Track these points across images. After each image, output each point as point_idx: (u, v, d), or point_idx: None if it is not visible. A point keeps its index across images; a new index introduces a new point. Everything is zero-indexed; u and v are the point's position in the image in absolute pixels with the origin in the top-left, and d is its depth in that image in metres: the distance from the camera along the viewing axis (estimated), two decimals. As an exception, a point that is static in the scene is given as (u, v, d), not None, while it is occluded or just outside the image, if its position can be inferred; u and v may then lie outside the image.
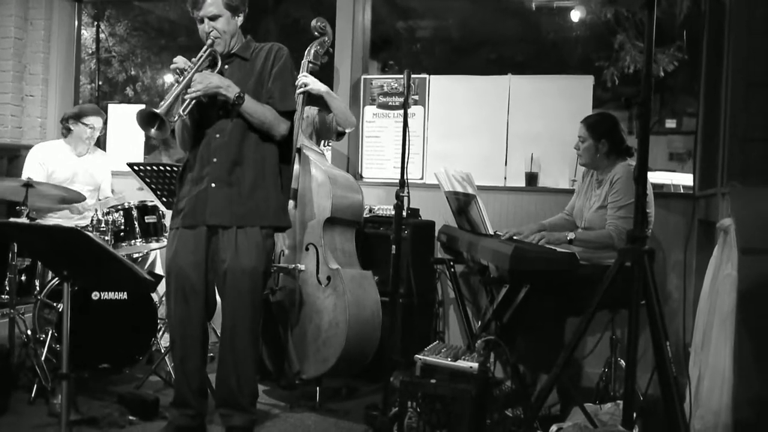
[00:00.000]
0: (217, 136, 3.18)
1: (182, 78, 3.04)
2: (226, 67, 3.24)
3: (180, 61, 3.11)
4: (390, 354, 3.40)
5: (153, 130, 2.95)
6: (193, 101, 3.05)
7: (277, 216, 3.26)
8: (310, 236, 3.77)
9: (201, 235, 3.16)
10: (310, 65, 4.16)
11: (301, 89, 3.97)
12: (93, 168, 4.65)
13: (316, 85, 4.04)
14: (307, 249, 3.77)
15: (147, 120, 2.96)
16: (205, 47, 3.15)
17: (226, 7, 3.16)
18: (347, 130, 4.22)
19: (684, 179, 9.65)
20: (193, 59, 3.10)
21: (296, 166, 3.84)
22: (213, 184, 3.15)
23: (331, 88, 4.73)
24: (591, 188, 3.76)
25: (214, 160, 3.16)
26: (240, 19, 3.24)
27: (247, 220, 3.15)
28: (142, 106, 5.50)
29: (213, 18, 3.16)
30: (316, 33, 4.24)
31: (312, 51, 4.19)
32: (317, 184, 3.80)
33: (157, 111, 2.93)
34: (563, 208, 4.01)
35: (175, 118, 3.05)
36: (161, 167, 4.10)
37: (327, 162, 4.04)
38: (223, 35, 3.18)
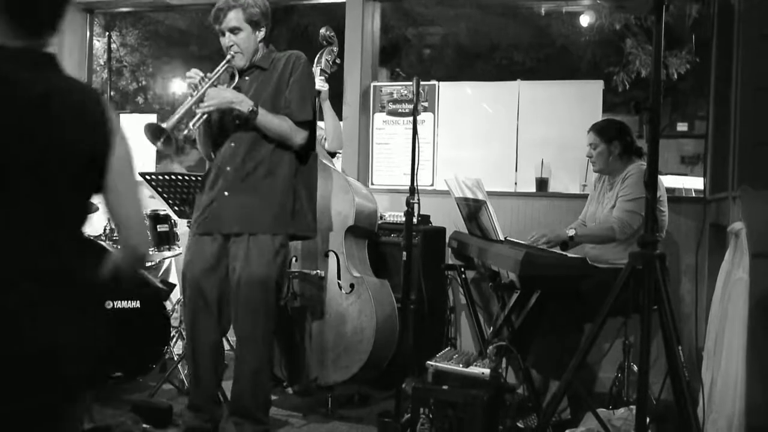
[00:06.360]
0: (233, 144, 3.19)
1: (195, 92, 3.04)
2: (246, 78, 3.24)
3: (195, 74, 3.10)
4: (402, 360, 3.40)
5: (159, 143, 2.98)
6: (204, 116, 3.07)
7: (291, 223, 3.20)
8: (329, 243, 3.74)
9: (217, 243, 3.18)
10: (320, 74, 4.15)
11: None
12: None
13: (323, 90, 4.01)
14: (326, 256, 3.74)
15: (154, 133, 2.97)
16: (224, 62, 3.16)
17: (247, 22, 3.15)
18: (330, 148, 4.13)
19: (695, 183, 9.63)
20: (209, 74, 3.11)
21: None
22: (226, 192, 3.16)
23: (340, 96, 4.74)
24: (603, 192, 3.76)
25: (228, 168, 3.17)
26: (261, 34, 3.22)
27: (258, 227, 3.13)
28: (153, 117, 5.60)
29: (234, 31, 3.16)
30: (324, 42, 4.22)
31: (322, 60, 4.14)
32: (337, 191, 3.76)
33: (164, 126, 2.94)
34: (574, 213, 4.00)
35: (184, 132, 3.06)
36: (173, 176, 4.12)
37: (340, 171, 4.01)
38: (243, 50, 3.18)
